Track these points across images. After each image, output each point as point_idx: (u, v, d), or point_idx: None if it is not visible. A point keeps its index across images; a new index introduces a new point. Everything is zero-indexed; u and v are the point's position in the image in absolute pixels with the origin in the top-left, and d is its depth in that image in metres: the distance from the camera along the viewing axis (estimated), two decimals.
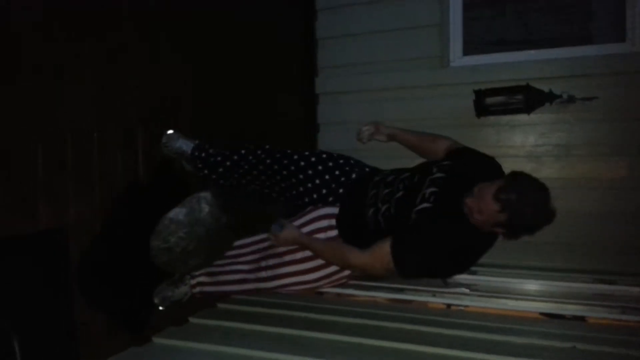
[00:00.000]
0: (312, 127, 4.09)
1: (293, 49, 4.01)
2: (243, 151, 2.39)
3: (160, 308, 2.41)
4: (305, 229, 2.09)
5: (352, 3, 3.98)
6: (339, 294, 3.08)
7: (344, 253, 1.96)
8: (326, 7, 4.07)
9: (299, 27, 4.07)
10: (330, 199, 2.15)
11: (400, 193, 1.93)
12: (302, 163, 2.22)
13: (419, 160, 2.17)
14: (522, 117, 3.49)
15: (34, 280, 2.00)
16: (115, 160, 2.37)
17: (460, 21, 3.75)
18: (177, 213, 2.00)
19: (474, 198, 1.76)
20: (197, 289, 2.39)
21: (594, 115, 3.37)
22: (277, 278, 2.16)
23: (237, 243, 2.29)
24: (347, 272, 2.12)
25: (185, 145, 2.54)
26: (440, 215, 1.83)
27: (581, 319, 2.69)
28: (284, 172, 2.24)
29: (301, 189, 2.21)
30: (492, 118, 3.53)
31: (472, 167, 1.95)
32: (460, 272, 2.17)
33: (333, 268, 2.08)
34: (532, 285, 3.11)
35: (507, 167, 1.91)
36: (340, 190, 2.15)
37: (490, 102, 3.42)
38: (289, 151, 2.29)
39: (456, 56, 3.76)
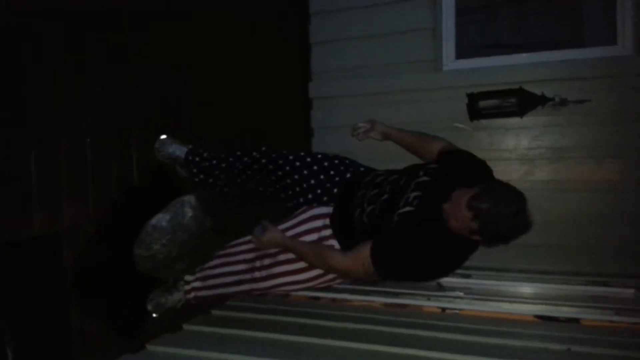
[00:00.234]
0: (307, 131, 4.09)
1: (293, 48, 4.03)
2: (238, 153, 2.39)
3: (154, 315, 2.40)
4: (300, 229, 2.09)
5: (345, 7, 3.98)
6: (334, 299, 3.07)
7: (326, 256, 1.96)
8: (319, 11, 4.07)
9: (296, 28, 4.09)
10: (325, 198, 2.16)
11: (386, 195, 1.93)
12: (298, 163, 2.23)
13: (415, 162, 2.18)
14: (515, 120, 3.50)
15: (28, 286, 1.99)
16: (109, 166, 2.37)
17: (453, 25, 3.77)
18: (160, 219, 1.98)
19: (451, 204, 1.76)
20: (192, 295, 2.38)
21: (586, 117, 3.39)
22: (272, 277, 2.15)
23: (230, 244, 2.28)
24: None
25: (179, 150, 2.53)
26: (422, 219, 1.82)
27: (575, 321, 2.70)
28: (279, 173, 2.25)
29: (297, 189, 2.22)
30: (484, 121, 3.54)
31: (458, 171, 1.94)
32: (442, 276, 2.16)
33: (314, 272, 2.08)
34: (526, 288, 3.12)
35: (501, 170, 1.92)
36: (335, 190, 2.16)
37: (483, 106, 3.44)
38: (284, 152, 2.29)
39: (449, 60, 3.77)
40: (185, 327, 2.65)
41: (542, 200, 3.29)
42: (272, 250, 2.14)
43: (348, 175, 2.19)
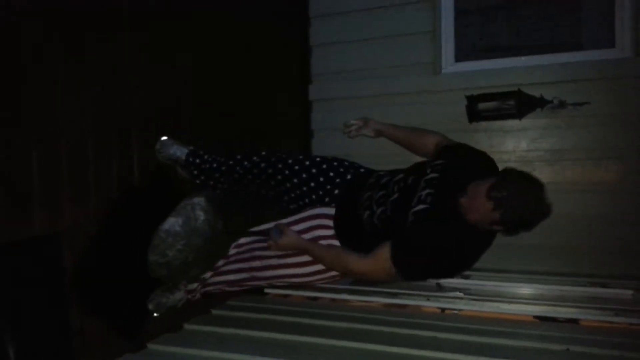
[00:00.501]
0: (306, 132, 4.11)
1: (293, 49, 4.05)
2: (238, 156, 2.40)
3: (155, 314, 2.40)
4: (299, 226, 2.09)
5: (345, 11, 4.00)
6: (333, 299, 3.08)
7: (344, 259, 1.94)
8: (319, 14, 4.09)
9: (296, 29, 4.11)
10: (327, 199, 2.17)
11: (396, 195, 1.93)
12: (297, 167, 2.24)
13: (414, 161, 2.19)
14: (514, 123, 3.52)
15: (28, 286, 1.99)
16: (109, 165, 2.38)
17: (452, 28, 3.78)
18: (173, 224, 1.89)
19: (468, 197, 1.76)
20: (195, 292, 2.38)
21: (585, 120, 3.40)
22: (270, 268, 2.15)
23: (237, 244, 2.27)
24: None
25: (180, 151, 2.54)
26: (438, 215, 1.82)
27: (574, 321, 2.71)
28: (279, 177, 2.26)
29: (297, 192, 2.23)
30: (484, 123, 3.56)
31: (465, 165, 1.95)
32: (463, 271, 2.13)
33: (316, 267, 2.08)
34: (525, 289, 3.12)
35: None
36: (336, 192, 2.16)
37: (482, 108, 3.44)
38: (283, 155, 2.30)
39: (448, 63, 3.78)
40: (186, 326, 2.66)
41: None
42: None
43: (348, 176, 2.20)
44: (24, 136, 2.01)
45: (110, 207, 2.36)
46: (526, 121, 3.49)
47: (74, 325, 2.14)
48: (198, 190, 2.23)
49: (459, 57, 3.79)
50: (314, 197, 2.19)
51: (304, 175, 2.21)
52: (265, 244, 2.10)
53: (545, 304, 2.86)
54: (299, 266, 2.10)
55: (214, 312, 2.87)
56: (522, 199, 1.68)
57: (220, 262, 2.27)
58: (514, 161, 3.57)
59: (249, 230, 2.23)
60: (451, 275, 1.86)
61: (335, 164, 2.24)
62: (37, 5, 2.06)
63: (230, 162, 2.40)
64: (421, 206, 1.85)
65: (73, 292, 2.15)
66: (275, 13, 3.73)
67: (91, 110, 2.27)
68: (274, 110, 3.68)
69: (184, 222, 1.91)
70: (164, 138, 2.59)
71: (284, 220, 2.15)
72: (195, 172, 2.49)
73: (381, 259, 1.83)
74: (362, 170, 2.24)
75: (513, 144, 3.60)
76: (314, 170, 2.21)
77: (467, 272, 3.20)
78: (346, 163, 2.26)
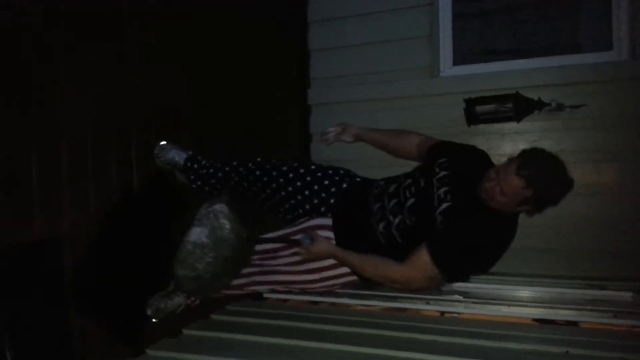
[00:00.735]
0: (305, 135, 4.12)
1: (293, 50, 4.05)
2: (235, 163, 2.40)
3: (154, 320, 2.40)
4: (299, 237, 2.09)
5: (343, 15, 4.02)
6: (333, 303, 3.07)
7: (383, 268, 1.92)
8: (318, 19, 4.11)
9: (296, 30, 4.12)
10: (322, 209, 2.16)
11: (412, 200, 1.92)
12: (291, 175, 2.23)
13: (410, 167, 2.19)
14: (512, 125, 3.53)
15: (28, 290, 1.99)
16: (110, 166, 2.37)
17: (450, 32, 3.80)
18: (199, 235, 1.81)
19: (491, 182, 1.77)
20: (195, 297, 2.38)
21: (583, 122, 3.41)
22: (287, 273, 2.17)
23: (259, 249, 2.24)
24: (343, 280, 2.11)
25: (178, 156, 2.55)
26: (463, 210, 1.84)
27: (574, 324, 2.70)
28: (273, 185, 2.24)
29: (292, 201, 2.21)
30: (482, 126, 3.56)
31: (466, 158, 1.97)
32: (499, 259, 2.11)
33: (325, 273, 2.07)
34: (524, 292, 3.12)
35: None
36: (332, 201, 2.15)
37: (480, 111, 3.46)
38: (278, 163, 2.30)
39: (446, 66, 3.80)
40: (185, 331, 2.65)
41: None
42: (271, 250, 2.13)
43: (344, 185, 2.18)
44: (24, 136, 2.00)
45: (110, 208, 2.35)
46: (524, 124, 3.50)
47: (73, 328, 2.13)
48: (215, 196, 2.16)
49: (457, 60, 3.81)
50: (308, 206, 2.17)
51: (298, 184, 2.20)
52: (281, 250, 2.11)
53: (544, 307, 2.86)
54: (316, 272, 2.09)
55: (214, 317, 2.86)
56: (551, 173, 1.74)
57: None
58: None
59: (269, 237, 2.20)
60: (491, 266, 1.85)
61: (330, 172, 2.23)
62: (37, 5, 2.05)
63: (226, 169, 2.40)
64: (445, 205, 1.85)
65: (73, 295, 2.14)
66: (275, 15, 3.74)
67: (91, 110, 2.26)
68: (274, 110, 3.68)
69: (209, 232, 1.83)
70: (163, 142, 2.60)
71: (280, 232, 2.14)
72: (193, 177, 2.49)
73: (419, 264, 1.82)
74: (357, 179, 2.23)
75: (511, 147, 3.60)
76: (308, 179, 2.20)
77: None
78: (341, 171, 2.25)
